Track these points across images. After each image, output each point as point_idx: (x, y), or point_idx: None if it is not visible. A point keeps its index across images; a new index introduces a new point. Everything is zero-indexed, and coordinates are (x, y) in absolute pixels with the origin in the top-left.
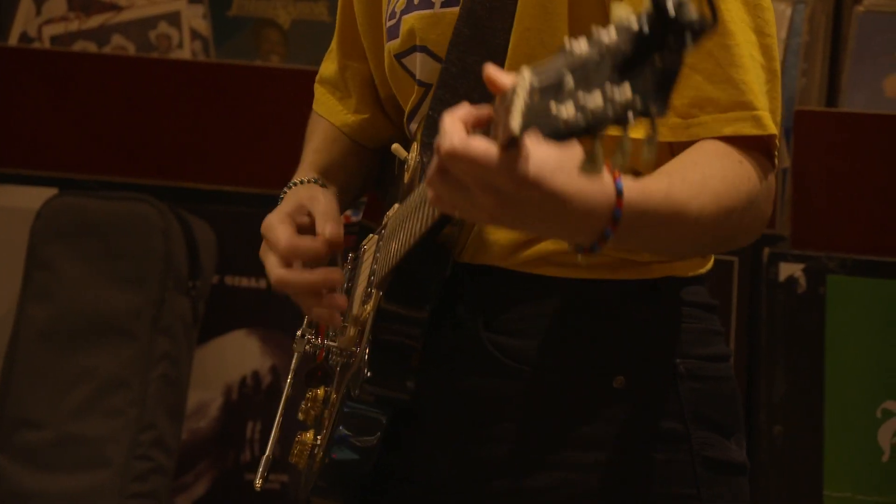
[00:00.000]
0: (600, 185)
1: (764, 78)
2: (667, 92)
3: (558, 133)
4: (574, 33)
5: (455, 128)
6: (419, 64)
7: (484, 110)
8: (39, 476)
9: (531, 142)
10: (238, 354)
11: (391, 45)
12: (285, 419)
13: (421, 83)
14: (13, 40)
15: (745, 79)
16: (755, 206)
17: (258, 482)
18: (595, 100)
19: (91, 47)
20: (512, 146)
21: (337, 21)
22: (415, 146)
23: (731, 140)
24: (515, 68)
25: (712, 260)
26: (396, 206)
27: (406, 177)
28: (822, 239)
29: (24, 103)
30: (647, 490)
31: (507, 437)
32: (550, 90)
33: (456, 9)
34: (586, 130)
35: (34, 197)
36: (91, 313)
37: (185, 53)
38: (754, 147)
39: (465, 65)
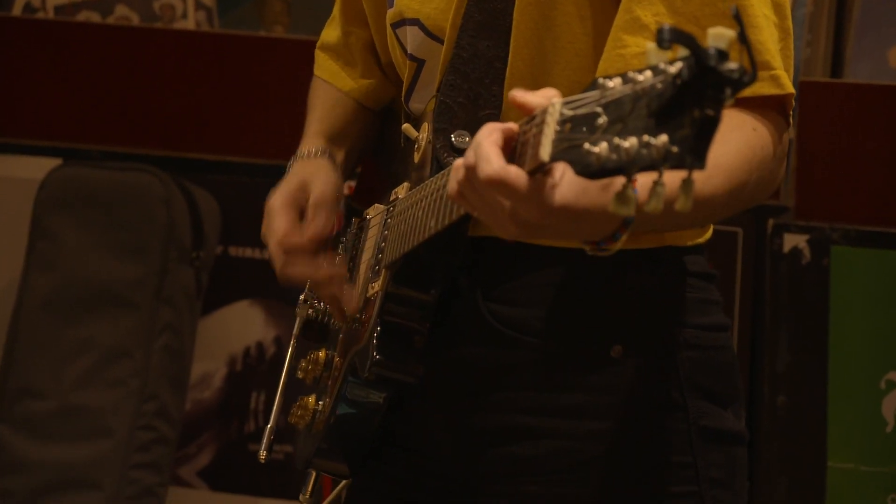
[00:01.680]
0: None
1: (777, 36)
2: (705, 144)
3: (590, 169)
4: (578, 10)
5: (493, 153)
6: (409, 37)
7: (513, 129)
8: (42, 446)
9: (558, 168)
10: (242, 325)
11: (388, 14)
12: (287, 387)
13: (412, 57)
14: (17, 10)
15: (760, 38)
16: (769, 172)
17: (263, 454)
18: (630, 142)
19: (95, 17)
20: (538, 172)
21: None
22: (425, 126)
23: (748, 102)
24: (520, 45)
25: (711, 229)
26: (406, 184)
27: (416, 157)
28: (827, 210)
29: (29, 74)
30: (644, 458)
31: (505, 406)
32: (582, 123)
33: None
34: (619, 171)
35: (38, 167)
36: (94, 283)
37: (189, 23)
38: (771, 106)
39: (477, 50)
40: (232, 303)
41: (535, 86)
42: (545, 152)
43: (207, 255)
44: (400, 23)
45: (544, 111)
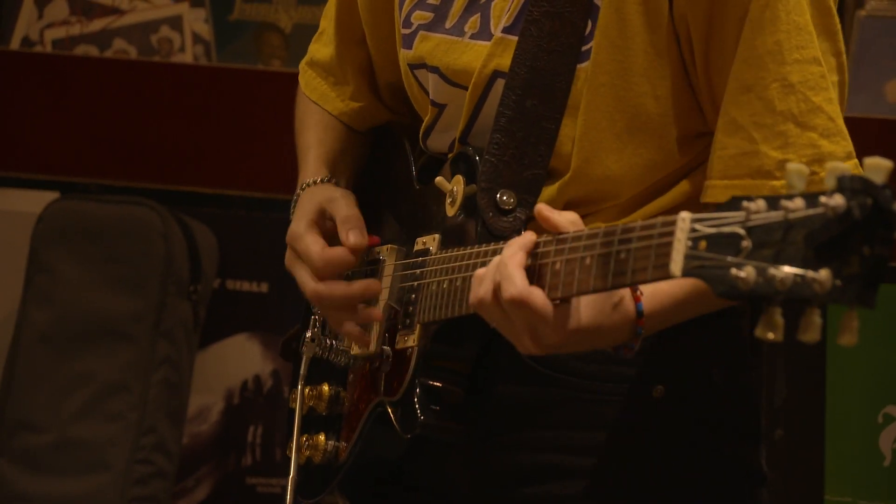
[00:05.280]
0: (624, 312)
1: None
2: (876, 284)
3: (734, 292)
4: (653, 89)
5: (518, 275)
6: (432, 84)
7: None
8: (40, 479)
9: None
10: (239, 358)
11: (404, 54)
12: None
13: (434, 103)
14: (15, 44)
15: (845, 129)
16: None
17: None
18: (784, 272)
19: (93, 51)
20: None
21: (333, 5)
22: (459, 179)
23: None
24: (590, 124)
25: None
26: (437, 237)
27: (450, 210)
28: None
29: (26, 107)
30: (681, 499)
31: (540, 444)
32: (722, 244)
33: (486, 44)
34: (766, 298)
35: (35, 201)
36: (92, 317)
37: (186, 57)
38: None
39: (523, 108)
40: (229, 336)
41: (601, 164)
42: (676, 267)
43: (205, 289)
44: (419, 66)
45: (670, 223)
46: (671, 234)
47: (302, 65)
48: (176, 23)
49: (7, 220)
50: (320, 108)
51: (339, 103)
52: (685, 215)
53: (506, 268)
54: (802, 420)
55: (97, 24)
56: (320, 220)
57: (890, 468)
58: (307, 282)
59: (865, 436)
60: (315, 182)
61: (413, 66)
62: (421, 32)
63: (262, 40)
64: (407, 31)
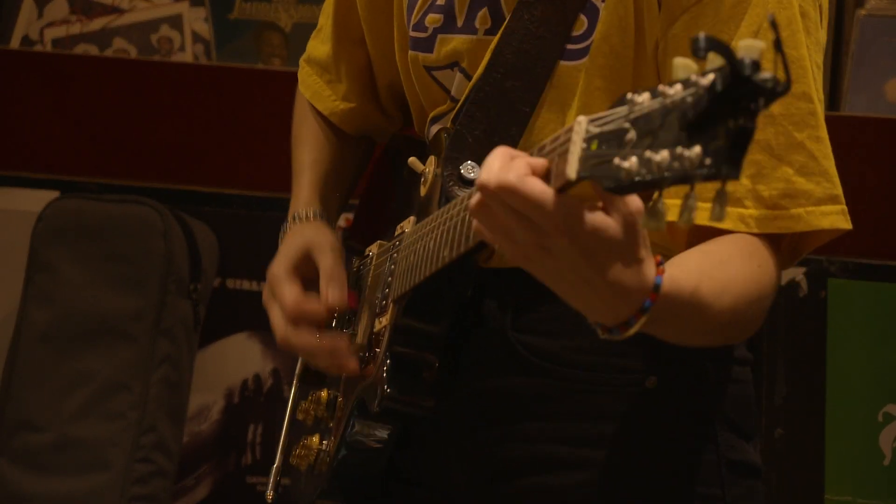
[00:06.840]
0: (640, 273)
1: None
2: (740, 154)
3: (620, 185)
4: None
5: (514, 164)
6: (456, 82)
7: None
8: (40, 479)
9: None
10: (239, 357)
11: (423, 57)
12: (280, 418)
13: (454, 99)
14: (15, 43)
15: (834, 172)
16: (760, 308)
17: (270, 494)
18: (662, 155)
19: (93, 50)
20: (563, 191)
21: (332, 2)
22: (432, 159)
23: (773, 237)
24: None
25: None
26: (412, 218)
27: (423, 189)
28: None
29: (26, 106)
30: (675, 490)
31: (537, 435)
32: (610, 140)
33: (494, 37)
34: (650, 185)
35: (36, 200)
36: (92, 316)
37: (186, 56)
38: (788, 244)
39: (503, 88)
40: (229, 335)
41: None
42: (572, 170)
43: (205, 288)
44: (445, 67)
45: (569, 130)
46: (570, 140)
47: (301, 61)
48: (176, 22)
49: (7, 220)
50: (315, 118)
51: (330, 102)
52: (581, 119)
53: (494, 160)
54: (802, 419)
55: (97, 24)
56: (303, 265)
57: (890, 467)
58: (279, 326)
59: (865, 435)
60: (307, 216)
61: (433, 68)
62: (440, 36)
63: (261, 39)
64: (423, 35)
